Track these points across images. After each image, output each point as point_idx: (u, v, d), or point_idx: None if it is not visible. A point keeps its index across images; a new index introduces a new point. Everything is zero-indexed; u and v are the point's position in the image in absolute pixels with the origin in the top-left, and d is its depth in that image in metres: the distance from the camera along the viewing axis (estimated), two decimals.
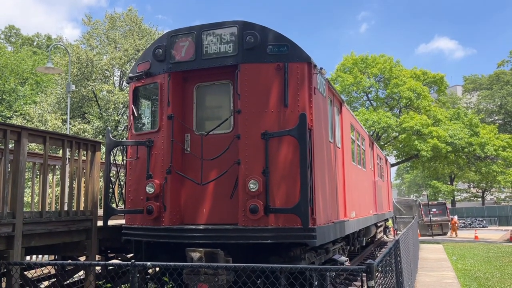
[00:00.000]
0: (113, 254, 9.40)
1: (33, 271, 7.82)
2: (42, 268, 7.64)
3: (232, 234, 6.20)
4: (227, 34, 6.75)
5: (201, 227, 6.39)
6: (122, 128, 25.85)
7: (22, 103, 29.89)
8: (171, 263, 4.45)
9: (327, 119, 7.60)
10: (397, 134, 28.88)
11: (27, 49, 40.81)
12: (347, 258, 8.26)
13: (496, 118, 59.22)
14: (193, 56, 6.91)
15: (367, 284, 3.74)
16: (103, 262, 4.57)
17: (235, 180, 6.48)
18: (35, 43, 45.51)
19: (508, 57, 59.44)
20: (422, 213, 36.24)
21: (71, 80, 23.28)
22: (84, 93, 23.33)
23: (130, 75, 7.49)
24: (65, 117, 23.08)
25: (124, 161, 7.45)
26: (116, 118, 23.21)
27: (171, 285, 5.18)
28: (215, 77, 7.08)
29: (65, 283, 7.27)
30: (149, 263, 4.49)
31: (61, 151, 6.51)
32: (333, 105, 8.30)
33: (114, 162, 7.13)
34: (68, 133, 16.85)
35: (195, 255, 6.03)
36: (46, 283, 7.61)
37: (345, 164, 8.97)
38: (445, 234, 35.61)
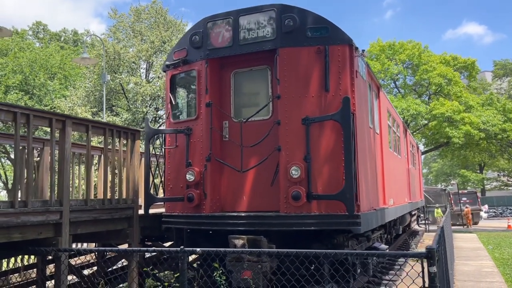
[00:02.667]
0: (150, 243, 9.50)
1: (76, 258, 7.96)
2: (86, 256, 7.79)
3: (275, 221, 6.13)
4: (265, 18, 6.61)
5: (243, 214, 6.34)
6: (150, 119, 26.10)
7: (52, 97, 30.50)
8: (221, 249, 4.41)
9: (367, 104, 7.41)
10: (426, 121, 28.18)
11: (54, 44, 41.55)
12: (387, 246, 8.09)
13: None
14: (230, 41, 6.81)
15: (428, 270, 3.60)
16: (152, 248, 4.58)
17: (276, 166, 6.39)
18: (62, 39, 46.30)
19: None
20: (452, 202, 35.44)
21: (99, 73, 23.61)
22: (112, 86, 23.64)
23: (167, 63, 7.45)
24: (94, 109, 23.47)
25: (163, 150, 7.46)
26: (144, 110, 23.45)
27: (221, 270, 5.15)
28: (252, 62, 6.97)
29: (108, 270, 7.36)
30: (198, 249, 4.45)
31: (95, 141, 6.56)
32: (371, 90, 8.09)
33: (154, 150, 7.14)
34: None
35: (238, 242, 5.99)
36: (89, 270, 7.75)
37: (383, 150, 8.76)
38: (476, 223, 34.77)
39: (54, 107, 26.41)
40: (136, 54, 23.79)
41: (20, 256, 8.16)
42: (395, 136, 11.28)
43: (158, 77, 24.17)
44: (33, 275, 8.02)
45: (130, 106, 23.99)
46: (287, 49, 6.41)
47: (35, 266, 7.80)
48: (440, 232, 5.97)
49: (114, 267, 8.40)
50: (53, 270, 8.09)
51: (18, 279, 7.41)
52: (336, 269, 5.74)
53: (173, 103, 7.40)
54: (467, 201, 38.33)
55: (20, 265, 8.01)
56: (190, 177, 6.69)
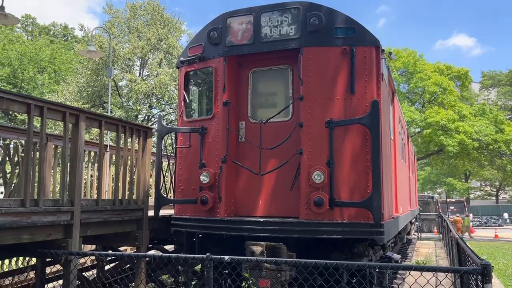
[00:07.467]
0: (150, 245, 9.11)
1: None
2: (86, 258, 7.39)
3: (296, 227, 5.84)
4: (289, 16, 6.35)
5: (261, 220, 6.04)
6: (142, 117, 25.62)
7: (42, 91, 29.74)
8: (252, 257, 4.12)
9: (388, 109, 7.21)
10: (420, 129, 28.29)
11: (44, 38, 40.70)
12: (400, 256, 7.89)
13: None
14: (250, 39, 6.52)
15: None
16: (175, 255, 4.24)
17: (296, 170, 6.12)
18: (51, 32, 45.39)
19: None
20: (440, 210, 35.64)
21: (93, 68, 23.06)
22: (106, 82, 23.09)
23: (181, 59, 7.13)
24: (87, 106, 22.89)
25: (173, 150, 7.13)
26: (138, 107, 22.94)
27: (251, 281, 4.85)
28: (272, 61, 6.69)
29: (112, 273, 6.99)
30: (227, 257, 4.16)
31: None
32: (389, 95, 7.89)
33: (166, 150, 6.81)
34: None
35: (257, 249, 5.68)
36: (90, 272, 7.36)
37: (396, 157, 8.57)
38: (462, 232, 35.00)
39: None
40: (132, 50, 23.28)
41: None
42: (402, 143, 11.13)
43: (154, 74, 23.69)
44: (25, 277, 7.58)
45: (124, 103, 23.45)
46: (311, 48, 6.16)
47: (33, 267, 7.37)
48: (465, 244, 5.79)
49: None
50: (51, 271, 7.68)
51: (16, 280, 6.99)
52: (353, 277, 5.51)
53: (187, 101, 7.08)
54: (455, 210, 38.66)
55: (16, 266, 7.56)
56: (204, 178, 6.38)
